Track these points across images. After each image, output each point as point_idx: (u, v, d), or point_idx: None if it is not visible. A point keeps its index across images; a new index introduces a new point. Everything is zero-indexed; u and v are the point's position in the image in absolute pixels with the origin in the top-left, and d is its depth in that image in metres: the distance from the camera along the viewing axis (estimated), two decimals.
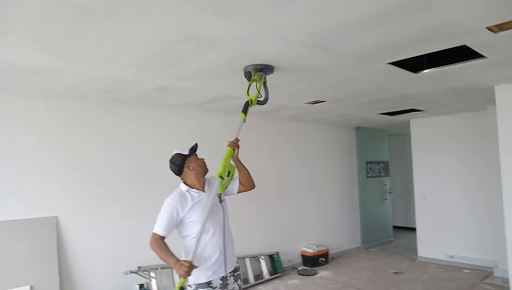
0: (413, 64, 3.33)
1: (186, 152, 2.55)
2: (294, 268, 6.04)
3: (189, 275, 2.17)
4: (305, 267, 6.07)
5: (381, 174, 8.10)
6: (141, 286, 4.30)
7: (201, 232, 2.29)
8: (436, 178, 6.37)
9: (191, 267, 2.16)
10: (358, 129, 7.64)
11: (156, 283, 4.31)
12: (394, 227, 8.52)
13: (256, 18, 2.10)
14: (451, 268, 5.91)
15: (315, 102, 4.70)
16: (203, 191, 2.52)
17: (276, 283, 5.39)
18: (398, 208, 9.14)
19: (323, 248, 6.33)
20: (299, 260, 6.24)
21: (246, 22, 2.15)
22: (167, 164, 2.63)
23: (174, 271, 2.54)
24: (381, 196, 8.06)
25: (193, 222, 2.39)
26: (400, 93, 4.29)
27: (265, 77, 3.06)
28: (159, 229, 2.32)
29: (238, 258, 5.15)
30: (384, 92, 4.24)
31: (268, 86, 3.14)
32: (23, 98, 3.71)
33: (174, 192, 2.48)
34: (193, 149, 2.62)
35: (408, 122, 6.77)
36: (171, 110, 4.82)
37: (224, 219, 2.58)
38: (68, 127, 4.00)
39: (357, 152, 7.63)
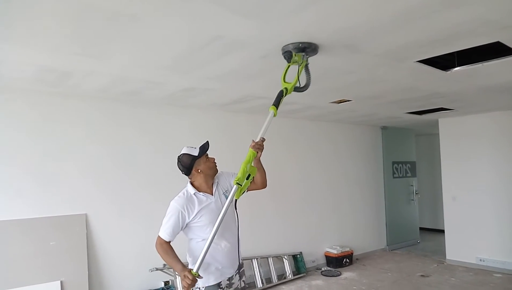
0: (443, 62, 3.22)
1: (196, 152, 2.39)
2: (318, 268, 5.99)
3: (192, 287, 2.12)
4: (328, 268, 6.01)
5: (408, 175, 7.92)
6: (166, 283, 4.38)
7: (211, 242, 2.16)
8: (466, 179, 6.17)
9: (194, 280, 2.11)
10: (384, 128, 7.49)
11: (180, 280, 4.36)
12: (421, 228, 8.31)
13: (283, 19, 2.09)
14: (481, 272, 5.71)
15: (340, 102, 4.64)
16: (211, 193, 2.42)
17: (299, 283, 5.36)
18: (425, 209, 8.92)
19: (347, 249, 6.25)
20: (322, 260, 6.19)
21: (273, 22, 2.14)
22: None
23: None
24: (407, 197, 7.88)
25: (201, 227, 2.32)
26: (429, 92, 4.18)
27: (307, 59, 2.57)
28: (164, 234, 2.28)
29: (261, 258, 5.21)
30: (412, 91, 4.14)
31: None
32: (57, 99, 3.84)
33: (181, 194, 2.39)
34: (204, 149, 2.45)
35: (437, 121, 6.59)
36: (197, 110, 4.87)
37: (237, 228, 2.47)
38: (99, 127, 4.12)
39: (383, 152, 7.48)
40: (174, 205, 2.33)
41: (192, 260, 2.35)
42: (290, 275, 5.43)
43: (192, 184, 2.42)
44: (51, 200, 3.77)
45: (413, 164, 8.09)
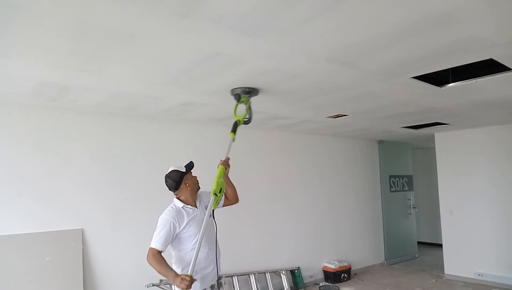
0: (437, 78, 3.28)
1: (183, 169, 2.71)
2: (316, 284, 5.94)
3: (190, 288, 2.31)
4: (326, 283, 5.96)
5: (405, 188, 7.93)
6: None
7: (199, 248, 2.43)
8: (463, 193, 6.19)
9: (191, 280, 2.32)
10: (381, 142, 7.53)
11: (176, 286, 4.31)
12: (419, 242, 8.29)
13: (281, 36, 2.13)
14: (479, 287, 5.68)
15: (337, 116, 4.68)
16: (196, 206, 2.71)
17: None
18: (423, 223, 8.91)
19: (345, 264, 6.21)
20: (320, 275, 6.14)
21: (271, 40, 2.18)
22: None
23: (174, 286, 2.59)
24: (405, 211, 7.87)
25: (189, 237, 2.56)
26: (424, 106, 4.23)
27: (250, 99, 3.21)
28: (157, 244, 2.46)
29: (258, 273, 5.17)
30: (408, 106, 4.19)
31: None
32: (55, 114, 3.85)
33: (170, 208, 2.62)
34: (190, 166, 2.77)
35: (433, 136, 6.64)
36: (195, 124, 4.89)
37: (215, 234, 2.74)
38: (96, 142, 4.12)
39: (380, 166, 7.51)
40: (165, 217, 2.56)
41: (181, 270, 2.51)
42: None
43: (178, 199, 2.69)
44: (47, 214, 3.75)
45: (410, 178, 8.11)
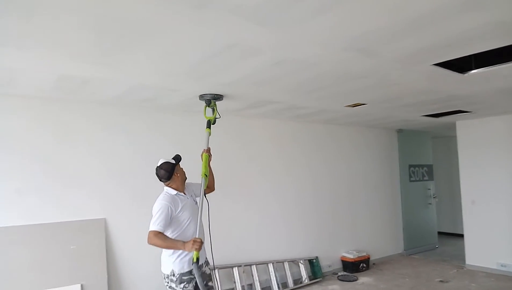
0: (459, 64, 3.19)
1: (173, 161, 3.06)
2: (334, 273, 5.95)
3: (201, 249, 2.79)
4: (345, 273, 5.96)
5: (425, 178, 7.80)
6: None
7: (200, 221, 2.98)
8: (485, 182, 6.04)
9: (201, 241, 2.81)
10: (400, 131, 7.40)
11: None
12: (439, 233, 8.17)
13: (298, 25, 2.11)
14: (502, 278, 5.57)
15: (355, 105, 4.62)
16: (185, 194, 3.08)
17: (316, 288, 5.34)
18: (443, 213, 8.75)
19: (364, 254, 6.18)
20: (338, 265, 6.14)
21: (288, 29, 2.16)
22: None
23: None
24: (425, 201, 7.75)
25: (182, 220, 2.93)
26: (446, 94, 4.13)
27: (215, 103, 3.85)
28: (158, 227, 2.77)
29: (277, 262, 5.22)
30: (429, 94, 4.10)
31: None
32: (75, 107, 3.94)
33: (165, 195, 2.97)
34: (178, 159, 3.13)
35: (454, 124, 6.48)
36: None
37: (200, 217, 3.05)
38: (118, 133, 4.21)
39: (399, 155, 7.40)
40: (163, 202, 2.89)
41: (174, 250, 2.88)
42: (306, 280, 5.41)
43: (171, 187, 3.03)
44: (71, 204, 3.87)
45: (430, 167, 7.96)
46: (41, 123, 3.78)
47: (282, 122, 5.66)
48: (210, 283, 3.07)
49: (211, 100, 3.81)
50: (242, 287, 4.77)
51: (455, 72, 3.25)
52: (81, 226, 3.89)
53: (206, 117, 3.71)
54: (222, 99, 3.91)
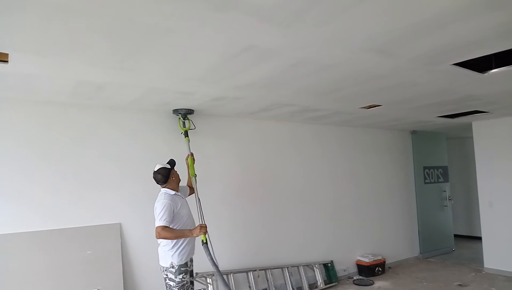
0: (477, 64, 3.12)
1: (169, 166, 3.41)
2: (349, 277, 5.87)
3: (206, 231, 3.29)
4: (360, 277, 5.88)
5: (440, 180, 7.66)
6: None
7: (202, 215, 3.56)
8: (503, 183, 5.91)
9: (206, 225, 3.30)
10: (414, 132, 7.30)
11: (212, 289, 4.38)
12: (456, 235, 8.01)
13: (317, 26, 2.08)
14: None
15: (370, 107, 4.56)
16: (180, 194, 3.45)
17: None
18: (460, 216, 8.60)
19: (380, 257, 6.09)
20: (354, 269, 6.06)
21: (307, 30, 2.13)
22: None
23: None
24: (440, 203, 7.62)
25: (181, 217, 3.30)
26: (464, 94, 4.05)
27: (187, 116, 4.36)
28: (164, 222, 3.11)
29: (292, 267, 5.17)
30: (446, 94, 4.02)
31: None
32: (91, 112, 3.96)
33: (165, 195, 3.29)
34: (173, 164, 3.48)
35: (470, 124, 6.36)
36: (225, 118, 4.91)
37: (199, 211, 3.58)
38: (132, 138, 4.21)
39: (414, 157, 7.28)
40: (165, 201, 3.21)
41: (174, 243, 3.23)
42: (321, 284, 5.34)
43: (169, 189, 3.36)
44: (87, 209, 3.88)
45: (445, 169, 7.83)
46: (58, 128, 3.79)
47: (296, 124, 5.62)
48: (191, 279, 3.42)
49: (186, 114, 4.30)
50: None
51: (474, 72, 3.18)
52: (97, 231, 3.90)
53: (182, 128, 4.27)
54: (193, 113, 4.39)
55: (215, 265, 3.25)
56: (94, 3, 1.72)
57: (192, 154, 3.95)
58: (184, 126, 4.29)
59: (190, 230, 3.24)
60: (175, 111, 4.28)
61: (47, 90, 3.29)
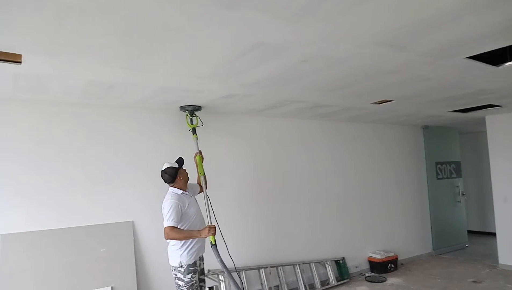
0: (492, 57, 3.05)
1: (176, 165, 3.36)
2: (361, 274, 5.84)
3: (215, 233, 3.22)
4: (373, 274, 5.84)
5: (453, 175, 7.56)
6: (210, 288, 4.41)
7: (212, 212, 3.49)
8: None
9: (215, 227, 3.23)
10: (425, 128, 7.21)
11: (224, 286, 4.40)
12: (469, 231, 7.90)
13: (328, 21, 2.06)
14: None
15: (381, 102, 4.51)
16: (188, 193, 3.40)
17: (343, 289, 5.24)
18: (473, 212, 8.49)
19: (392, 254, 6.04)
20: (366, 266, 6.03)
21: (317, 26, 2.11)
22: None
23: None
24: (453, 199, 7.52)
25: (190, 216, 3.25)
26: (477, 88, 3.98)
27: (195, 113, 4.29)
28: (171, 222, 3.08)
29: (303, 264, 5.16)
30: (459, 88, 3.96)
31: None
32: (100, 111, 4.00)
33: (173, 194, 3.26)
34: (181, 162, 3.42)
35: (483, 119, 6.26)
36: (234, 116, 4.91)
37: (209, 210, 3.50)
38: (143, 137, 4.24)
39: (426, 153, 7.20)
40: (172, 201, 3.17)
41: (183, 243, 3.21)
42: (333, 281, 5.32)
43: (176, 188, 3.33)
44: (100, 207, 3.92)
45: (457, 164, 7.72)
46: (70, 128, 3.84)
47: (305, 121, 5.60)
48: (202, 277, 3.41)
49: (193, 110, 4.21)
50: (269, 288, 4.73)
51: (488, 65, 3.12)
52: (110, 229, 3.94)
53: (189, 126, 4.17)
54: (201, 110, 4.31)
55: (225, 267, 3.23)
56: (105, 3, 1.73)
57: (200, 152, 3.87)
58: (192, 123, 4.20)
59: (198, 230, 3.19)
60: (182, 108, 4.22)
61: (58, 90, 3.32)
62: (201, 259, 3.42)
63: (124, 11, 1.81)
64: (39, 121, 3.69)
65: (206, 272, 4.34)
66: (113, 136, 4.07)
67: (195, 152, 3.88)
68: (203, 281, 3.43)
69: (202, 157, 3.83)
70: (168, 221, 3.08)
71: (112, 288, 3.79)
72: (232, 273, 3.40)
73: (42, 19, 1.88)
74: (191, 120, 4.23)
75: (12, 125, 3.57)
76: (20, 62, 2.48)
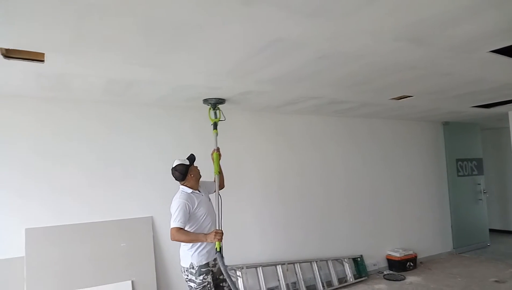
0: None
1: (187, 162, 3.19)
2: (379, 272, 5.78)
3: (222, 239, 3.03)
4: (391, 272, 5.77)
5: (474, 172, 7.38)
6: None
7: (216, 218, 3.24)
8: None
9: (222, 233, 3.04)
10: (445, 124, 7.05)
11: (242, 281, 4.42)
12: (491, 230, 7.71)
13: (347, 16, 2.04)
14: None
15: (401, 98, 4.44)
16: (200, 192, 3.23)
17: (362, 287, 5.20)
18: (495, 210, 8.27)
19: (411, 252, 5.95)
20: (384, 264, 5.95)
21: (336, 21, 2.09)
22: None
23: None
24: (474, 196, 7.34)
25: (199, 216, 3.10)
26: (501, 83, 3.86)
27: (219, 106, 4.07)
28: (178, 223, 2.93)
29: (320, 261, 5.13)
30: (481, 83, 3.85)
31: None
32: (120, 108, 4.07)
33: (181, 193, 3.11)
34: (192, 159, 3.25)
35: (506, 114, 6.08)
36: (250, 113, 4.91)
37: (218, 211, 3.29)
38: (161, 133, 4.31)
39: (446, 149, 7.04)
40: (180, 200, 3.03)
41: (194, 244, 3.07)
42: (351, 279, 5.29)
43: (186, 186, 3.17)
44: (121, 204, 4.00)
45: (479, 161, 7.53)
46: (91, 126, 3.93)
47: (320, 118, 5.56)
48: (221, 276, 3.22)
49: (216, 104, 4.01)
50: (287, 285, 4.74)
51: None
52: (130, 224, 4.01)
53: (211, 119, 3.93)
54: (225, 103, 4.11)
55: (228, 276, 3.07)
56: (126, 2, 1.75)
57: (218, 149, 3.65)
58: (215, 117, 3.96)
59: (205, 235, 3.01)
60: (205, 101, 4.04)
61: (80, 88, 3.40)
62: (215, 260, 3.22)
63: (144, 9, 1.84)
64: (62, 118, 3.80)
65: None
66: (133, 132, 4.14)
67: (212, 149, 3.70)
68: (224, 280, 3.20)
69: (219, 155, 3.61)
70: (174, 222, 2.95)
71: (132, 282, 3.87)
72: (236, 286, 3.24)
73: (65, 19, 1.92)
74: (215, 113, 4.00)
75: (36, 122, 3.68)
76: (43, 60, 2.55)
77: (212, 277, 3.13)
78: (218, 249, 3.06)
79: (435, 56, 2.84)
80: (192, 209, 3.05)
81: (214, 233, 2.98)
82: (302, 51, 2.61)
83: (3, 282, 3.39)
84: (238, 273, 4.44)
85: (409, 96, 4.37)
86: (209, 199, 3.32)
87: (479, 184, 7.41)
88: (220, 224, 3.24)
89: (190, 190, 3.15)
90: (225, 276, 3.07)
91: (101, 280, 3.74)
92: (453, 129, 7.12)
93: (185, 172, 3.15)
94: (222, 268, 3.06)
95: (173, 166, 3.19)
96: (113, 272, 3.81)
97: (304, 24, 2.11)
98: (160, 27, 2.07)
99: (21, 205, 3.56)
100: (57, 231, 3.66)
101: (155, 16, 1.93)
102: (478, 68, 3.27)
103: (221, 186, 3.54)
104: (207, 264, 3.09)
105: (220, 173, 3.52)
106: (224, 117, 4.02)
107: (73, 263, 3.66)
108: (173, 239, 2.95)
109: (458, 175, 7.12)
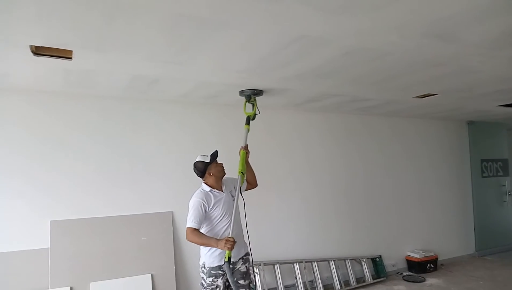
0: None
1: (208, 159, 3.04)
2: (398, 273, 5.69)
3: (233, 248, 2.75)
4: (410, 273, 5.68)
5: (499, 174, 7.17)
6: None
7: (233, 220, 2.92)
8: None
9: (234, 241, 2.76)
10: (470, 123, 6.86)
11: (259, 278, 4.44)
12: None
13: (373, 12, 2.00)
14: None
15: (424, 96, 4.34)
16: (222, 191, 3.07)
17: (380, 288, 5.14)
18: None
19: (431, 254, 5.84)
20: (403, 265, 5.86)
21: (361, 17, 2.06)
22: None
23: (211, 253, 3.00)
24: (499, 198, 7.14)
25: (216, 216, 2.95)
26: None
27: (255, 99, 3.76)
28: (192, 223, 2.83)
29: (338, 260, 5.07)
30: (510, 81, 3.73)
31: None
32: (143, 104, 4.13)
33: (199, 191, 3.00)
34: (214, 156, 3.09)
35: None
36: (271, 110, 4.90)
37: (234, 213, 2.99)
38: (182, 130, 4.35)
39: (470, 149, 6.86)
40: (196, 199, 2.93)
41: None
42: (369, 279, 5.23)
43: (206, 184, 3.06)
44: (142, 199, 4.07)
45: (505, 162, 7.31)
46: (114, 121, 4.00)
47: (340, 115, 5.50)
48: (241, 281, 2.99)
49: (251, 95, 3.72)
50: (304, 283, 4.72)
51: None
52: (151, 219, 4.08)
53: (245, 113, 3.62)
54: (262, 94, 3.82)
55: (234, 284, 2.89)
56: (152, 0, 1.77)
57: (246, 147, 3.31)
58: (252, 110, 3.65)
59: (217, 240, 2.80)
60: (241, 93, 3.76)
61: (105, 85, 3.46)
62: (241, 261, 3.05)
63: (170, 7, 1.85)
64: (87, 113, 3.89)
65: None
66: (155, 128, 4.21)
67: (241, 146, 3.34)
68: (243, 286, 3.00)
69: (247, 153, 3.28)
70: (189, 222, 2.85)
71: (152, 275, 3.94)
72: None
73: (93, 17, 1.96)
74: (252, 105, 3.71)
75: (63, 118, 3.78)
76: (71, 58, 2.61)
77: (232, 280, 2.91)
78: (226, 259, 2.78)
79: (463, 53, 2.76)
80: (208, 208, 2.92)
81: (224, 241, 2.74)
82: (326, 48, 2.58)
83: (30, 271, 3.51)
84: (256, 269, 4.46)
85: (433, 95, 4.27)
86: (233, 199, 3.07)
87: (504, 185, 7.20)
88: (233, 229, 2.91)
89: (208, 188, 3.02)
90: (232, 285, 2.87)
91: (122, 272, 3.81)
92: (478, 129, 6.93)
93: (203, 170, 3.03)
94: (230, 280, 2.85)
95: (195, 161, 3.08)
96: (133, 265, 3.88)
97: (330, 20, 2.09)
98: (184, 24, 2.09)
99: (47, 199, 3.67)
100: (80, 224, 3.75)
101: (179, 13, 1.94)
102: (507, 66, 3.16)
103: (252, 184, 3.34)
104: (218, 267, 2.92)
105: (244, 173, 3.21)
106: (259, 110, 3.67)
107: (95, 255, 3.75)
108: (187, 239, 2.86)
109: (483, 176, 6.93)
